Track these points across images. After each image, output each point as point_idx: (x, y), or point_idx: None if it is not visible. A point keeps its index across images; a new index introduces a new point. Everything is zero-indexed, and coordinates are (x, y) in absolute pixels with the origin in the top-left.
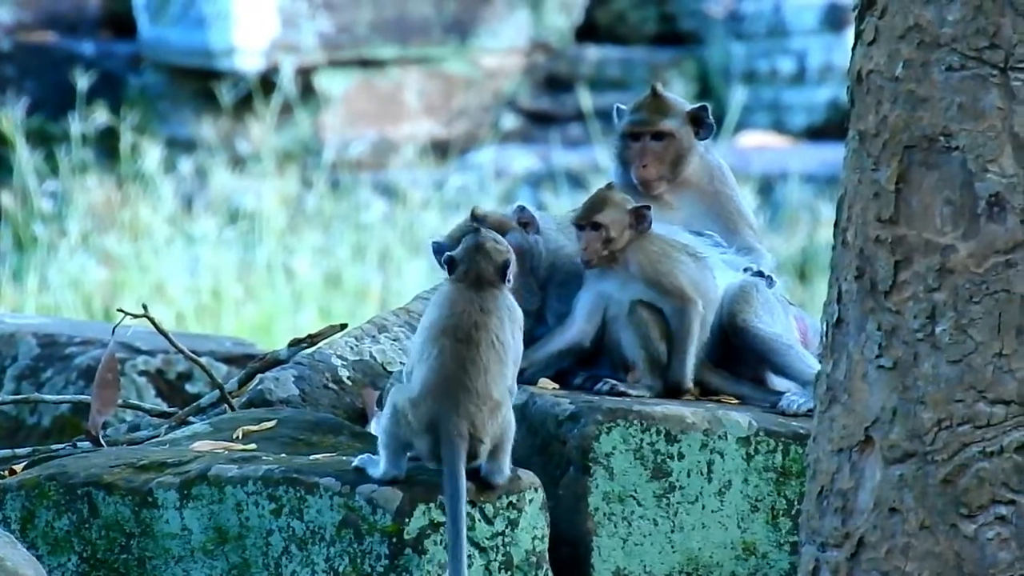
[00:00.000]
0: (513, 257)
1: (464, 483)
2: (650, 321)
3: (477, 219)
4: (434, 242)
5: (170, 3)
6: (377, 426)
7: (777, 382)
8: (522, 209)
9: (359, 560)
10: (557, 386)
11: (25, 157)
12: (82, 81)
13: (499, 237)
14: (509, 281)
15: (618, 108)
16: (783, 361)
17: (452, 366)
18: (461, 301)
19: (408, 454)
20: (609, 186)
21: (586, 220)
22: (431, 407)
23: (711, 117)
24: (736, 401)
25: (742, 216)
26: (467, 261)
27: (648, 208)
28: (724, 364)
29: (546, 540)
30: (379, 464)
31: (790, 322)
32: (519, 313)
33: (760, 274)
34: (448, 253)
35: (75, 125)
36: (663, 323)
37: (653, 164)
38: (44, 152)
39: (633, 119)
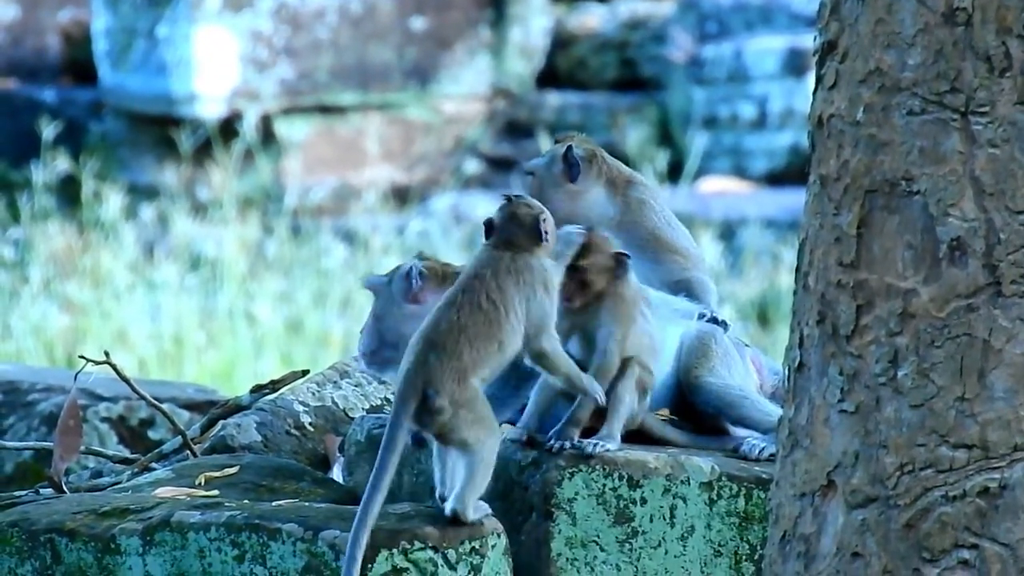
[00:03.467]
0: (548, 215)
1: (400, 438)
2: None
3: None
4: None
5: (131, 50)
6: (338, 472)
7: (737, 431)
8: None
9: None
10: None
11: None
12: (45, 128)
13: (531, 200)
14: (546, 240)
15: None
16: (740, 413)
17: (429, 325)
18: (478, 265)
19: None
20: (590, 229)
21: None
22: (404, 359)
23: (573, 155)
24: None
25: (661, 242)
26: (501, 227)
27: (627, 255)
28: (684, 415)
29: None
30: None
31: (747, 366)
32: (550, 275)
33: (715, 319)
34: (487, 218)
35: (37, 172)
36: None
37: None
38: (5, 199)
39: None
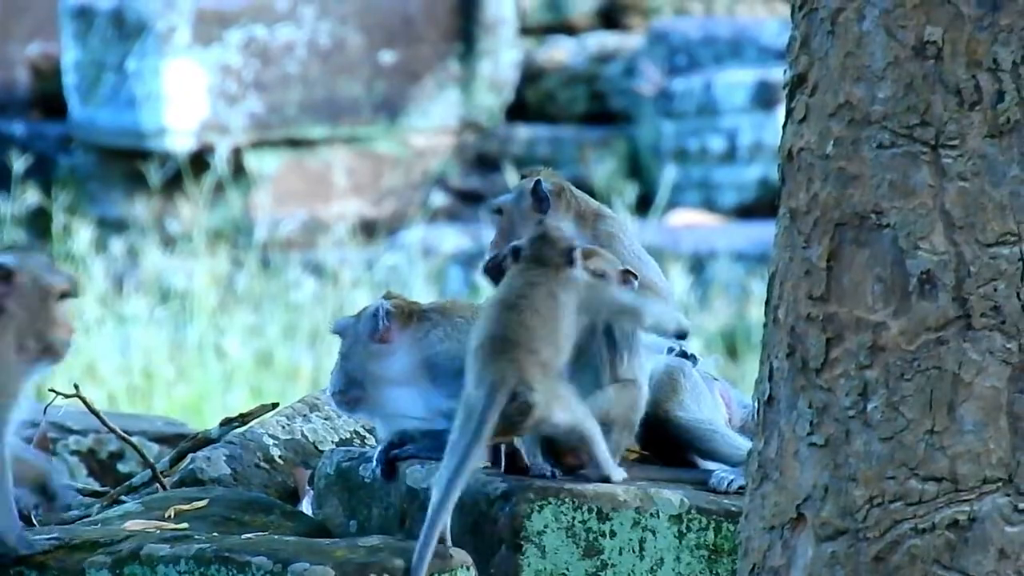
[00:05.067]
0: (578, 244)
1: (490, 421)
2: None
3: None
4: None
5: (100, 84)
6: (308, 505)
7: (707, 464)
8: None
9: None
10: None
11: None
12: (15, 162)
13: (563, 228)
14: (576, 265)
15: None
16: (709, 447)
17: (497, 327)
18: (516, 277)
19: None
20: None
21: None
22: (481, 362)
23: (542, 189)
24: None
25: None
26: (529, 247)
27: (633, 274)
28: (652, 449)
29: None
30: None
31: (717, 400)
32: (587, 294)
33: (684, 353)
34: (514, 244)
35: (6, 205)
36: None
37: (494, 242)
38: None
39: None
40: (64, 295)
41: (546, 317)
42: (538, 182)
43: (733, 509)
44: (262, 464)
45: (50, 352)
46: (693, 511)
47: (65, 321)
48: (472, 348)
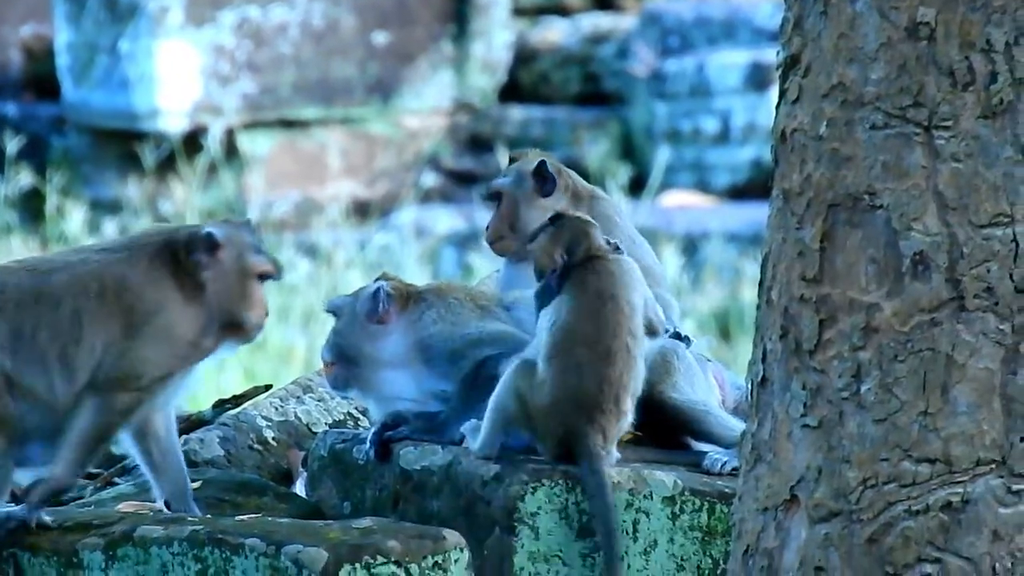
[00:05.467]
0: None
1: (612, 493)
2: None
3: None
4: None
5: (93, 65)
6: (302, 487)
7: (700, 445)
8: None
9: None
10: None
11: None
12: (7, 143)
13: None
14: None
15: None
16: (702, 428)
17: (589, 384)
18: (592, 298)
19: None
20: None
21: None
22: (565, 420)
23: (550, 171)
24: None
25: None
26: (577, 243)
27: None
28: (646, 431)
29: None
30: (479, 438)
31: (710, 381)
32: (637, 271)
33: (678, 335)
34: (558, 253)
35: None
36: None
37: (492, 226)
38: None
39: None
40: (264, 276)
41: (636, 338)
42: (543, 163)
43: (727, 491)
44: (255, 446)
45: (239, 332)
46: (687, 493)
47: (261, 302)
48: (557, 392)
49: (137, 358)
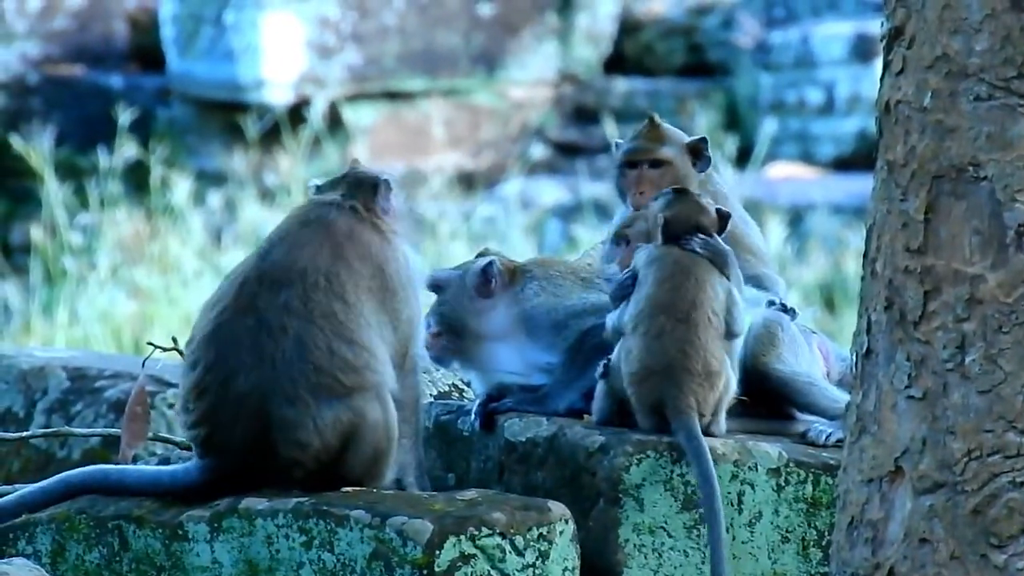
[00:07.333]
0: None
1: (709, 455)
2: None
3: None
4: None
5: (198, 37)
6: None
7: (805, 417)
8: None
9: None
10: None
11: (54, 190)
12: (116, 114)
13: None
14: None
15: (616, 142)
16: (807, 400)
17: (673, 349)
18: (677, 272)
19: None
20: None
21: None
22: (654, 388)
23: (709, 150)
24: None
25: (739, 242)
26: (678, 217)
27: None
28: (753, 399)
29: (576, 572)
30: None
31: (815, 353)
32: (726, 255)
33: (784, 307)
34: (661, 215)
35: (104, 158)
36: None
37: (649, 191)
38: (73, 185)
39: (630, 148)
40: None
41: (718, 314)
42: (703, 139)
43: (831, 462)
44: None
45: None
46: (791, 464)
47: None
48: (644, 359)
49: None
